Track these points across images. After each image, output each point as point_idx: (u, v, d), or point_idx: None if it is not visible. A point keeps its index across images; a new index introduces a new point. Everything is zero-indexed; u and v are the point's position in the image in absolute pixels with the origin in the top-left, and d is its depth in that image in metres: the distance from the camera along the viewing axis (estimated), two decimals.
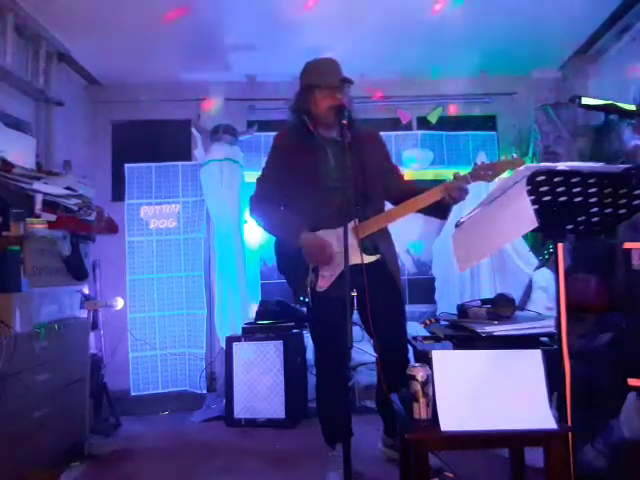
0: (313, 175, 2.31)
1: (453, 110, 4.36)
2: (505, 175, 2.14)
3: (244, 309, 3.87)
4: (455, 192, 2.21)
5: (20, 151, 2.64)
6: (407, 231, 3.14)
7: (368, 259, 2.21)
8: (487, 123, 4.42)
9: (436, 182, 4.09)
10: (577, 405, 1.64)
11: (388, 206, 2.47)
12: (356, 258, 2.11)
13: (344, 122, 2.15)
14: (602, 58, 3.80)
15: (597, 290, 2.31)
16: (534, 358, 1.62)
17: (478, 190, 3.63)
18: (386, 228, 2.39)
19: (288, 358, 3.36)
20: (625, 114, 1.93)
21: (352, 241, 2.14)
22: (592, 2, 3.24)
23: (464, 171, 2.25)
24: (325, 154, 2.35)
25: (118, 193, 4.24)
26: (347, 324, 1.78)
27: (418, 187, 2.41)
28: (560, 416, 1.60)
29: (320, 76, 2.32)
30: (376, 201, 2.37)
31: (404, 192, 2.37)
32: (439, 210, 2.32)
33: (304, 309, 3.90)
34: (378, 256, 2.31)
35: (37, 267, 2.49)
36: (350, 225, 2.15)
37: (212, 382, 4.01)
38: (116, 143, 4.42)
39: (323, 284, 2.28)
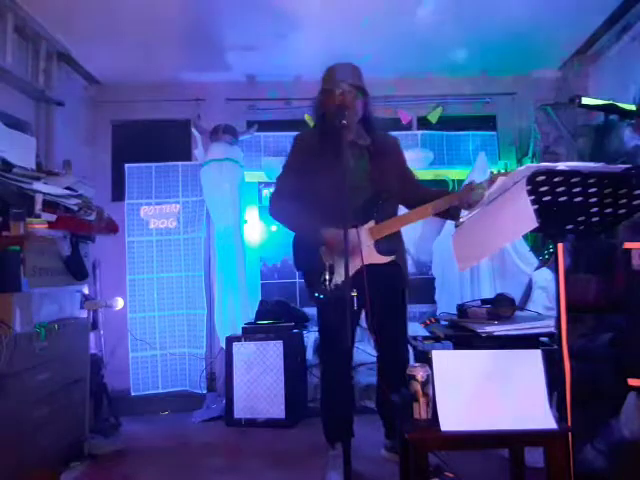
0: (330, 175, 2.30)
1: (453, 110, 4.36)
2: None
3: (244, 309, 3.87)
4: (471, 202, 2.21)
5: (20, 151, 2.63)
6: (407, 231, 3.14)
7: (383, 259, 2.30)
8: (487, 123, 4.42)
9: (436, 182, 4.15)
10: (577, 405, 1.64)
11: (402, 210, 2.51)
12: (371, 258, 2.23)
13: (344, 122, 2.16)
14: (602, 58, 3.80)
15: (597, 290, 2.31)
16: (534, 358, 1.62)
17: None
18: (399, 231, 2.45)
19: (288, 358, 3.36)
20: (625, 114, 1.93)
21: (368, 242, 2.28)
22: (592, 2, 3.23)
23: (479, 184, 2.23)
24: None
25: (118, 193, 4.23)
26: (347, 324, 1.80)
27: (433, 192, 2.49)
28: (560, 416, 1.60)
29: (325, 79, 2.41)
30: (391, 204, 2.42)
31: (419, 197, 2.42)
32: (449, 214, 2.37)
33: (304, 309, 3.96)
34: (392, 257, 2.36)
35: (37, 267, 2.48)
36: (367, 226, 2.29)
37: (212, 382, 4.01)
38: (116, 143, 4.42)
39: (338, 282, 2.29)
